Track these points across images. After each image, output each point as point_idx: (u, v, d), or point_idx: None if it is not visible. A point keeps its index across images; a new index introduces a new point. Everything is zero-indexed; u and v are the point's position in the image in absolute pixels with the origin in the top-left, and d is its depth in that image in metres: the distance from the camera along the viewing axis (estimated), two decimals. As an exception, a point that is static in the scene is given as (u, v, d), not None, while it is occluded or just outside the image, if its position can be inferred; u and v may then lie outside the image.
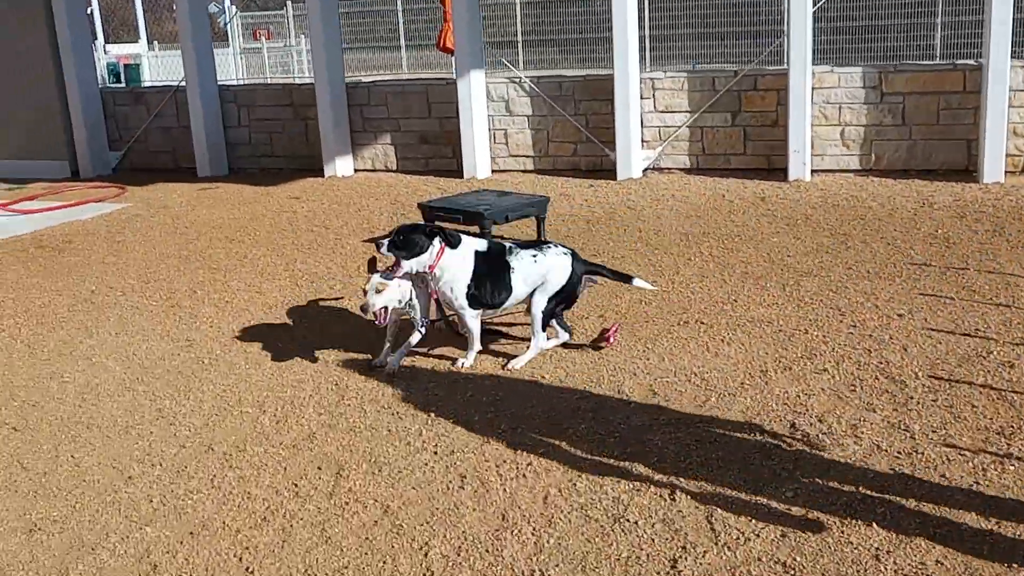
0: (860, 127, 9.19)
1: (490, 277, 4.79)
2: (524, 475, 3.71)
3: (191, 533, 3.49)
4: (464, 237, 4.84)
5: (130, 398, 4.75)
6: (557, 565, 3.10)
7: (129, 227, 8.82)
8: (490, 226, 6.92)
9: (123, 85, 12.81)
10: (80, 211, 9.65)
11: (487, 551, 3.22)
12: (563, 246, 4.97)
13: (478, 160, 10.29)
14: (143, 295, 6.59)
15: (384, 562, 3.22)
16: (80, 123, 11.86)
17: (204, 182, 11.02)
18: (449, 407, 4.38)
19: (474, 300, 4.82)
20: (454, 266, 4.75)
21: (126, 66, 13.47)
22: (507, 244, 4.93)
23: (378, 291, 4.67)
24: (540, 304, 4.82)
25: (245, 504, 3.67)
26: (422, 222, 4.88)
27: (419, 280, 4.83)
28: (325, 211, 8.95)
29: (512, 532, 3.32)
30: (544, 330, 4.88)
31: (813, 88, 9.09)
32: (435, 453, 3.96)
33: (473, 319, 4.86)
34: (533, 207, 7.30)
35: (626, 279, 5.12)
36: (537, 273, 4.81)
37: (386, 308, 4.69)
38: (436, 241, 4.68)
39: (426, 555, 3.23)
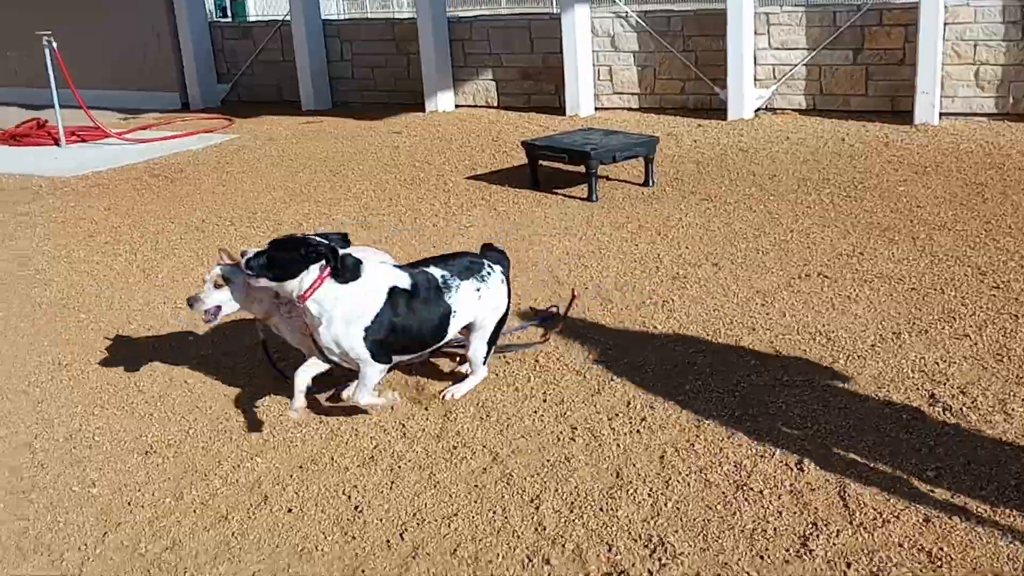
0: (997, 67, 8.52)
1: (421, 322, 3.69)
2: (638, 431, 3.57)
3: (300, 467, 3.49)
4: (369, 268, 3.66)
5: (241, 327, 4.77)
6: (676, 531, 2.96)
7: (237, 158, 8.90)
8: (596, 166, 6.72)
9: (230, 19, 12.94)
10: (190, 141, 9.80)
11: (601, 510, 3.10)
12: (494, 264, 3.96)
13: (581, 97, 10.01)
14: (251, 226, 6.64)
15: (494, 512, 3.14)
16: (190, 56, 12.09)
17: (308, 116, 11.05)
18: (557, 354, 4.25)
19: (382, 350, 3.64)
20: (341, 302, 3.57)
21: (232, 0, 13.57)
22: (438, 274, 3.78)
23: (217, 285, 3.76)
24: (486, 337, 3.92)
25: (353, 441, 3.65)
26: (308, 236, 3.61)
27: (286, 309, 3.83)
28: (427, 147, 8.85)
29: (627, 491, 3.19)
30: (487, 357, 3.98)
31: (945, 23, 8.46)
32: (544, 401, 3.85)
33: (377, 374, 3.70)
34: (642, 147, 7.05)
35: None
36: (479, 309, 3.84)
37: (219, 308, 3.78)
38: (315, 268, 3.53)
39: (537, 508, 3.14)
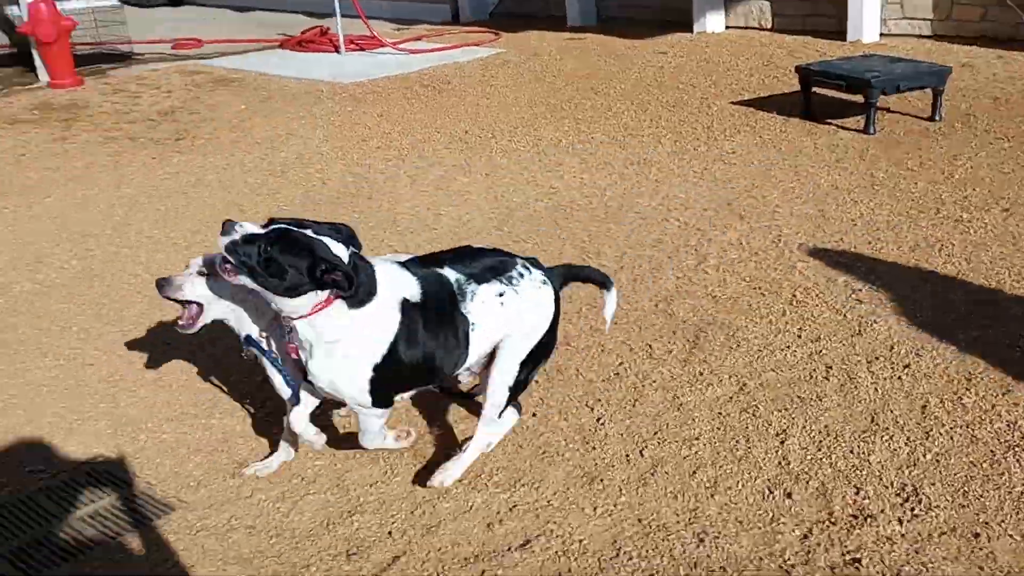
0: None
1: (429, 343, 2.81)
2: (899, 377, 3.35)
3: (545, 374, 3.59)
4: (382, 279, 2.74)
5: (496, 239, 4.95)
6: (933, 484, 2.78)
7: (501, 72, 9.11)
8: (877, 96, 6.23)
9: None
10: (459, 54, 10.14)
11: (851, 452, 2.97)
12: (536, 265, 3.04)
13: (865, 21, 9.24)
14: (511, 139, 6.81)
15: (737, 441, 3.10)
16: (467, -31, 12.41)
17: (572, 32, 11.04)
18: (817, 290, 4.06)
19: (383, 391, 2.81)
20: (346, 331, 2.72)
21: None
22: (453, 276, 2.87)
23: (203, 274, 2.97)
24: (509, 371, 2.94)
25: (599, 357, 3.71)
26: (320, 242, 2.62)
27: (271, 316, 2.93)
28: (692, 69, 8.59)
29: (882, 437, 3.03)
30: (507, 406, 3.02)
31: None
32: (798, 336, 3.71)
33: (376, 420, 2.89)
34: (931, 77, 6.45)
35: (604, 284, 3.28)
36: (504, 322, 2.90)
37: (200, 306, 2.98)
38: (322, 292, 2.64)
39: (782, 443, 3.06)
